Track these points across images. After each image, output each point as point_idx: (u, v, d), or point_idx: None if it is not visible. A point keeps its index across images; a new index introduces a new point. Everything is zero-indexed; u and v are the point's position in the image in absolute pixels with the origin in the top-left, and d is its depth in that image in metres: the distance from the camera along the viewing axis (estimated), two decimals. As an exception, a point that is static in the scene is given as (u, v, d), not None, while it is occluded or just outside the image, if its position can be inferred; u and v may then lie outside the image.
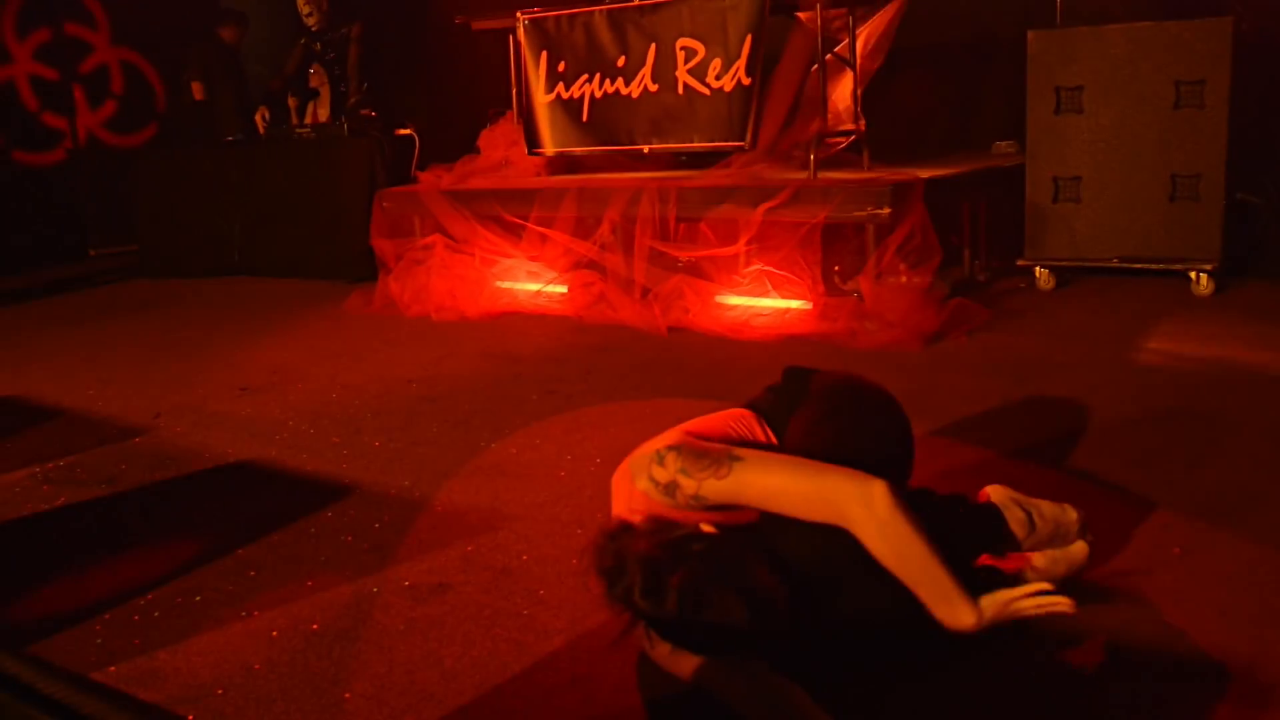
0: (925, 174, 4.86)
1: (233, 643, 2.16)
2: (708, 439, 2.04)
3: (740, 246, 4.69)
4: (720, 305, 4.88)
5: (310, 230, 6.90)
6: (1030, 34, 5.13)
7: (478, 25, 6.10)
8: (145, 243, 7.64)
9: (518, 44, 5.79)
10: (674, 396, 3.75)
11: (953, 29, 6.45)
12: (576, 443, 3.32)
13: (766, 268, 4.71)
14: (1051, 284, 5.25)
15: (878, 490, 1.83)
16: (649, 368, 4.15)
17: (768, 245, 4.74)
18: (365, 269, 6.10)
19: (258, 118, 7.37)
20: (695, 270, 4.94)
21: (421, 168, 6.37)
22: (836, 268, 4.86)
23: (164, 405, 4.03)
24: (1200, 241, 4.91)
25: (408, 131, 6.69)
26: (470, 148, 6.46)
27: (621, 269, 5.05)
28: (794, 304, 4.72)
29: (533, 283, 5.48)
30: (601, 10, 5.47)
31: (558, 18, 5.60)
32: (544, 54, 5.65)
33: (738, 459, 1.91)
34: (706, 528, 1.87)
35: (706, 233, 4.85)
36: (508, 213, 5.48)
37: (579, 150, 5.70)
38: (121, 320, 5.91)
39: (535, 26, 5.68)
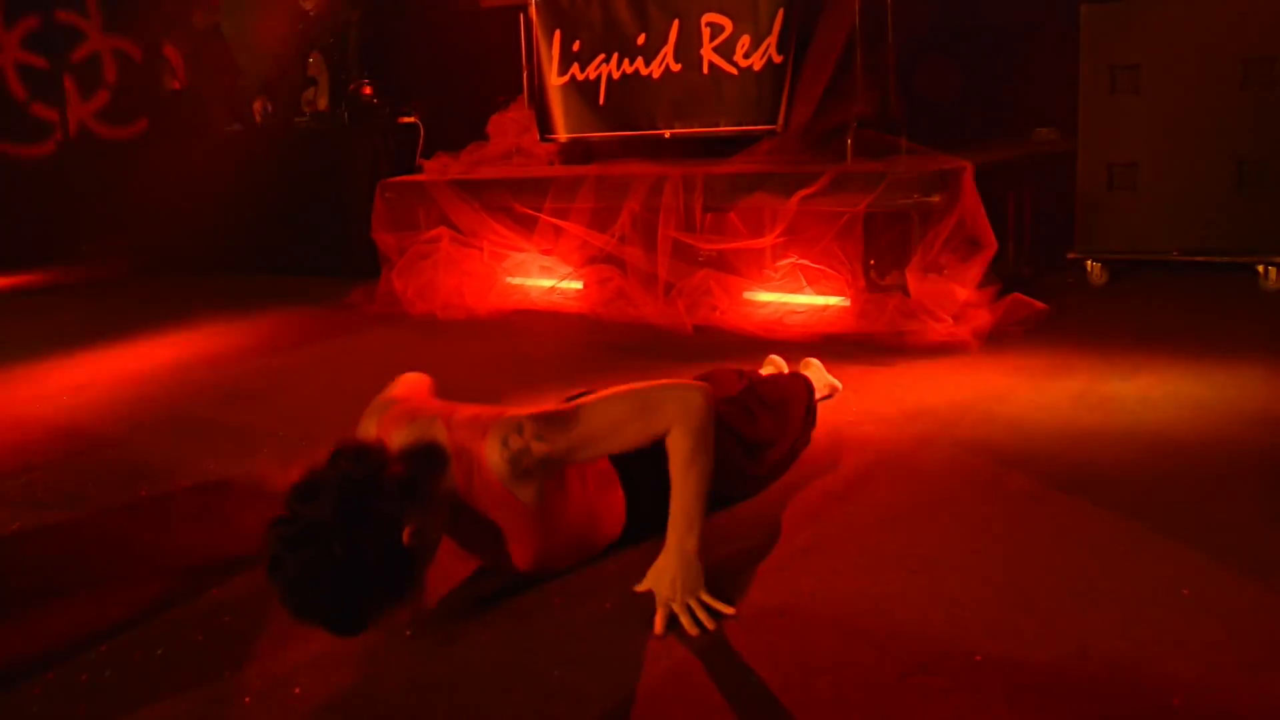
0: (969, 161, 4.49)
1: (196, 712, 1.79)
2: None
3: (774, 237, 4.31)
4: (749, 302, 4.50)
5: (310, 224, 6.56)
6: (1084, 8, 4.74)
7: (486, 3, 5.73)
8: (138, 238, 7.31)
9: (529, 22, 5.41)
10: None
11: (988, 6, 6.08)
12: (600, 457, 2.94)
13: (802, 261, 4.33)
14: (1104, 279, 4.87)
15: (698, 396, 2.01)
16: (675, 370, 3.76)
17: (802, 237, 4.36)
18: (367, 264, 5.72)
19: (256, 107, 7.02)
20: (720, 264, 4.56)
21: (426, 156, 6.01)
22: (871, 261, 4.47)
23: (143, 413, 3.67)
24: (1269, 233, 4.53)
25: (411, 119, 6.32)
26: (478, 135, 6.10)
27: (643, 263, 4.66)
28: (831, 300, 4.34)
29: (546, 278, 5.10)
30: (620, -16, 5.09)
31: (572, -8, 5.22)
32: (557, 32, 5.27)
33: (580, 407, 2.00)
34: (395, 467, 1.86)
35: (736, 223, 4.47)
36: (519, 203, 5.09)
37: (595, 135, 5.32)
38: (107, 319, 5.55)
39: (548, 3, 5.30)
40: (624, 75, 5.11)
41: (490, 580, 2.19)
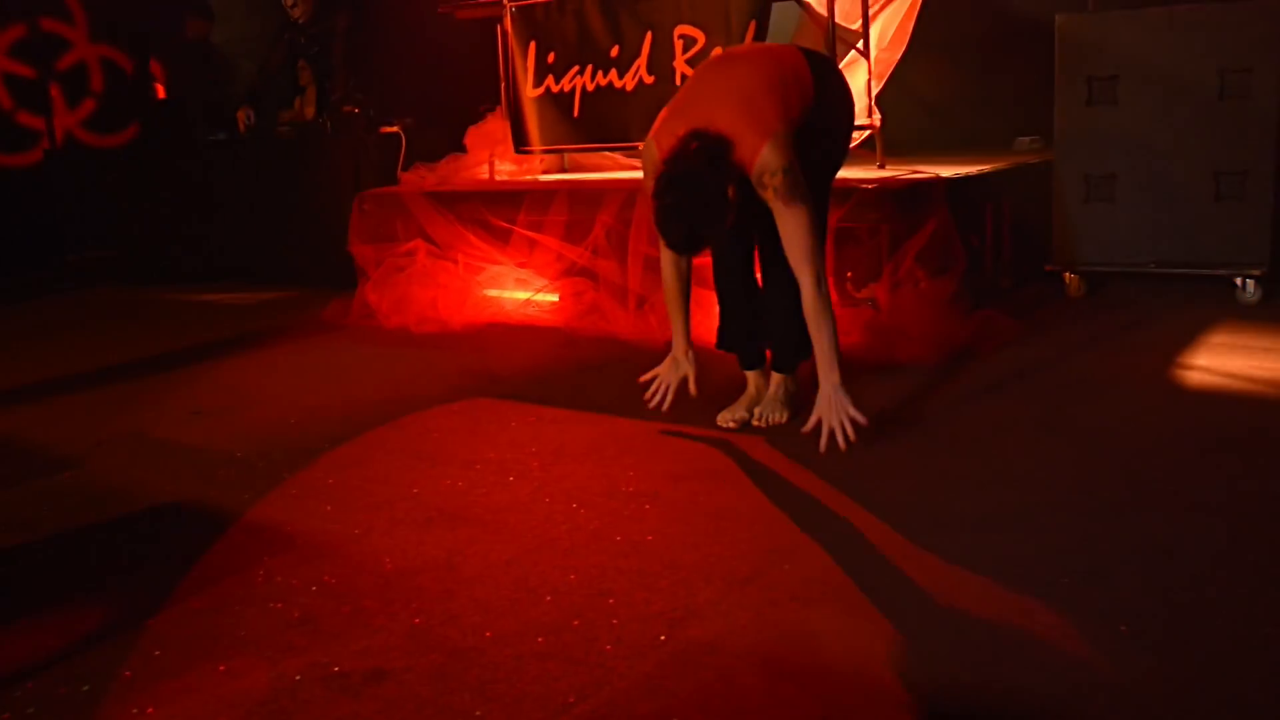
0: (945, 172, 4.46)
1: (113, 753, 1.77)
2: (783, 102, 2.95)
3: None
4: (723, 316, 4.46)
5: (291, 235, 6.54)
6: (1059, 18, 4.72)
7: (462, 14, 5.69)
8: (121, 248, 7.31)
9: (505, 33, 5.39)
10: (671, 421, 3.35)
11: (970, 15, 6.05)
12: (555, 480, 2.92)
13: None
14: (1082, 291, 4.84)
15: (822, 282, 2.90)
16: (644, 388, 3.73)
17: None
18: (347, 276, 5.71)
19: (240, 115, 6.99)
20: (694, 279, 4.52)
21: (407, 168, 5.99)
22: (849, 275, 4.44)
23: (106, 431, 3.64)
24: (1247, 245, 4.50)
25: (394, 129, 6.30)
26: (459, 146, 6.08)
27: (616, 276, 4.64)
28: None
29: (521, 291, 5.08)
30: (594, -5, 5.06)
31: (547, 4, 5.20)
32: (532, 44, 5.25)
33: (805, 204, 2.84)
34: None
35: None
36: (494, 216, 5.07)
37: (569, 148, 5.30)
38: (82, 331, 5.54)
39: (523, 14, 5.28)
40: (598, 87, 5.09)
41: (422, 613, 2.18)
